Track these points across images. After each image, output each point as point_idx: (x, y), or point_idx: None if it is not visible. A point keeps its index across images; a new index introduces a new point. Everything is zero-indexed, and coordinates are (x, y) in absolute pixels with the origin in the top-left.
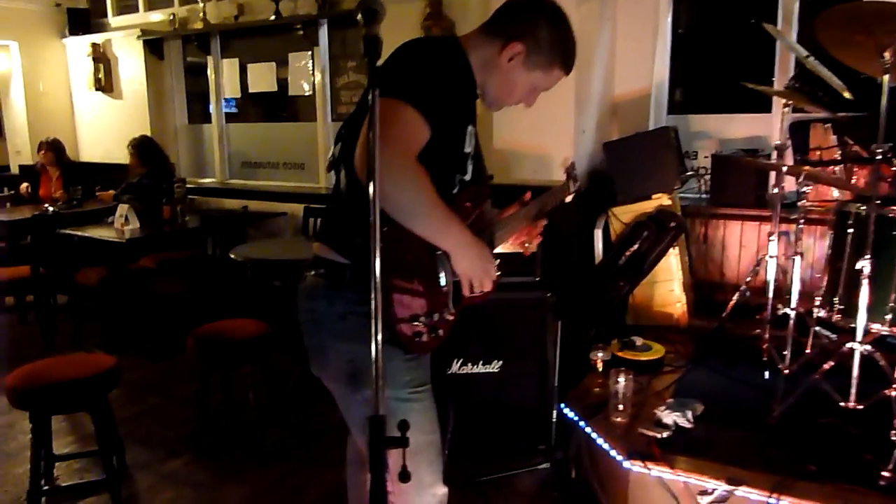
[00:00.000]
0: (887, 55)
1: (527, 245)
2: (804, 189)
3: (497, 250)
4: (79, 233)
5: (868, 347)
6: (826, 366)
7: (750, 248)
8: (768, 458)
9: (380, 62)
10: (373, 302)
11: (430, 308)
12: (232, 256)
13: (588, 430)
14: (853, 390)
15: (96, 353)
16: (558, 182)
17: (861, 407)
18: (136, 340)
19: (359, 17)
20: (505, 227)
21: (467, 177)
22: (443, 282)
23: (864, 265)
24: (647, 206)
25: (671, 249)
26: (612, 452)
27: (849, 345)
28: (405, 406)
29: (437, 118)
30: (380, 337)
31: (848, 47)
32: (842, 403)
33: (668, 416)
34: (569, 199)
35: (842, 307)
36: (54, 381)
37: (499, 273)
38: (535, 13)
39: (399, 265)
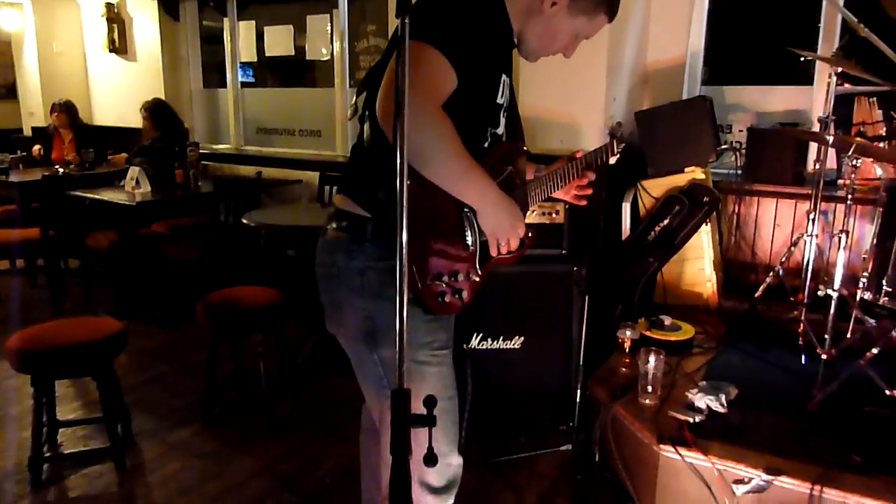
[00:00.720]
0: None
1: (578, 196)
2: (855, 163)
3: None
4: (88, 195)
5: None
6: (871, 352)
7: (785, 227)
8: (810, 447)
9: None
10: (398, 261)
11: (455, 267)
12: (244, 222)
13: (615, 411)
14: None
15: (103, 317)
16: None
17: None
18: (146, 306)
19: None
20: (541, 185)
21: (499, 130)
22: (469, 240)
23: None
24: (680, 179)
25: (703, 226)
26: (641, 436)
27: None
28: (422, 369)
29: (466, 64)
30: (405, 298)
31: None
32: (888, 392)
33: (701, 400)
34: (613, 160)
35: (890, 289)
36: (57, 344)
37: (530, 234)
38: None
39: (423, 221)
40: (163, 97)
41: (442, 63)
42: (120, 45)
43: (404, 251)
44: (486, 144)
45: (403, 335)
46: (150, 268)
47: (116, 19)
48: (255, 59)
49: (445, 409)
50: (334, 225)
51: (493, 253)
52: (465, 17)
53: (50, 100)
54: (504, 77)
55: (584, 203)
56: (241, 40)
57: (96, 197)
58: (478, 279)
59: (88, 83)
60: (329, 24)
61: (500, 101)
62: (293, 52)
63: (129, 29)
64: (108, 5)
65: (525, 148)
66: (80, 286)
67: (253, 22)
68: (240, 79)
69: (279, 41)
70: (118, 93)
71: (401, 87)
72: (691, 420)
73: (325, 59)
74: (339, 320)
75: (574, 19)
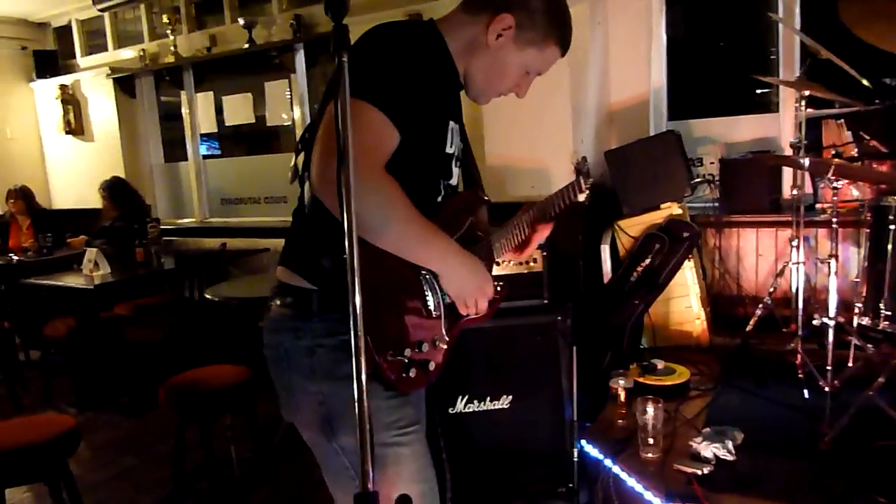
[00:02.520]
0: None
1: (532, 257)
2: (834, 185)
3: (497, 272)
4: (43, 281)
5: None
6: (880, 380)
7: (767, 256)
8: (828, 490)
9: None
10: (352, 337)
11: (419, 336)
12: (208, 297)
13: (616, 468)
14: None
15: (51, 413)
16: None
17: None
18: (110, 395)
19: None
20: (505, 235)
21: (453, 180)
22: (431, 306)
23: None
24: (656, 216)
25: (686, 262)
26: (647, 494)
27: None
28: (390, 452)
29: (407, 117)
30: (363, 375)
31: (875, 23)
32: None
33: (707, 449)
34: (582, 197)
35: (889, 313)
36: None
37: (499, 286)
38: None
39: (378, 288)
40: (122, 175)
41: (379, 120)
42: (76, 126)
43: (359, 322)
44: (439, 198)
45: (366, 417)
46: (112, 353)
47: (71, 101)
48: (216, 130)
49: (423, 493)
50: (277, 301)
51: (462, 313)
52: (404, 64)
53: (5, 186)
54: (452, 124)
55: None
56: (199, 112)
57: (52, 283)
58: (445, 346)
59: (45, 166)
60: (288, 90)
61: (449, 150)
62: (254, 120)
63: (85, 109)
64: (63, 87)
65: (486, 197)
66: (41, 379)
67: (211, 93)
68: (204, 150)
69: (239, 110)
70: (76, 174)
71: (344, 135)
72: (699, 472)
73: (287, 123)
74: (292, 407)
75: (522, 52)
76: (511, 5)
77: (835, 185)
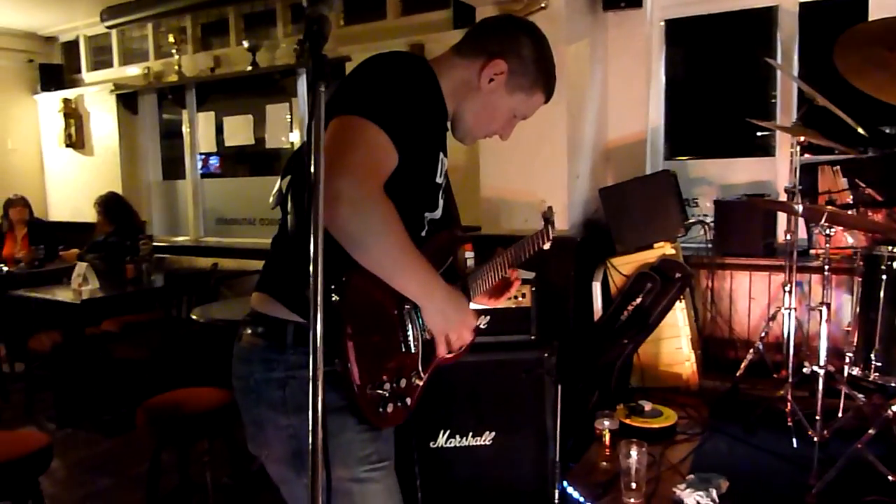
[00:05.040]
0: None
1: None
2: (828, 232)
3: (485, 306)
4: (31, 294)
5: None
6: (869, 433)
7: (760, 300)
8: None
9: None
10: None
11: (397, 372)
12: (193, 317)
13: None
14: None
15: (28, 430)
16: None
17: None
18: (91, 412)
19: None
20: (480, 276)
21: (437, 213)
22: (412, 340)
23: None
24: (649, 255)
25: (677, 303)
26: None
27: (895, 408)
28: (362, 489)
29: (406, 141)
30: (320, 404)
31: (870, 73)
32: (890, 477)
33: (690, 496)
34: (547, 246)
35: (880, 364)
36: None
37: (478, 326)
38: (516, 30)
39: (361, 319)
40: (120, 190)
41: (383, 140)
42: (77, 139)
43: (319, 353)
44: (423, 233)
45: (319, 449)
46: (97, 369)
47: (74, 115)
48: (216, 150)
49: None
50: (248, 331)
51: (441, 353)
52: (406, 90)
53: (3, 197)
54: (442, 156)
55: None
56: (200, 131)
57: (40, 296)
58: (420, 383)
59: (44, 178)
60: (288, 113)
61: (439, 180)
62: (253, 142)
63: (87, 124)
64: (66, 101)
65: (461, 235)
66: (24, 392)
67: (212, 113)
68: (205, 169)
69: (239, 131)
70: (74, 187)
71: (315, 161)
72: None
73: (286, 146)
74: (260, 441)
75: (512, 97)
76: (505, 52)
77: (828, 231)
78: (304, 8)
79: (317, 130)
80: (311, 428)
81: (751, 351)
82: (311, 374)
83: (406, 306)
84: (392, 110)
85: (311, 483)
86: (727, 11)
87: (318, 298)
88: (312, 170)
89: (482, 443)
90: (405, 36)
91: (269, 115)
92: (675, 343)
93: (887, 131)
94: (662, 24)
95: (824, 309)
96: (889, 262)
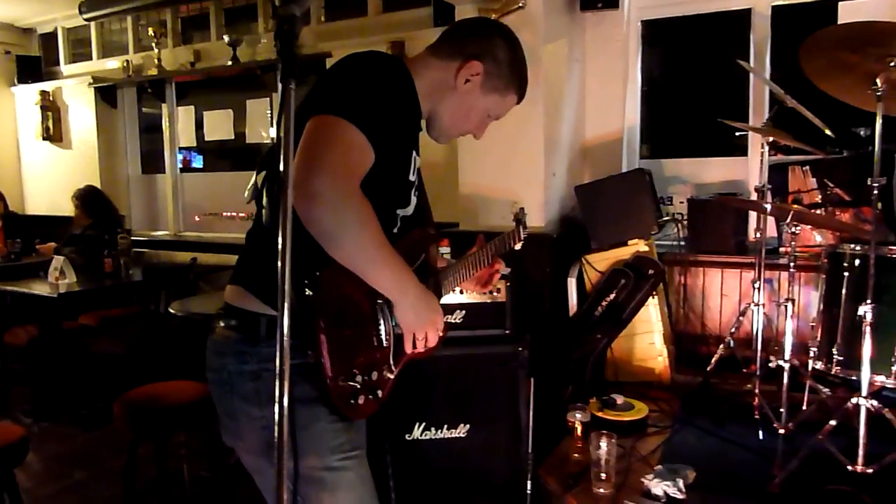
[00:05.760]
0: (879, 82)
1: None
2: (793, 230)
3: (461, 300)
4: (7, 287)
5: (875, 403)
6: (830, 424)
7: (732, 296)
8: None
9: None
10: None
11: (369, 365)
12: (172, 311)
13: (568, 502)
14: (861, 452)
15: (3, 422)
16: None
17: (871, 471)
18: (68, 406)
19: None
20: (453, 273)
21: (409, 210)
22: (383, 334)
23: (866, 311)
24: (624, 252)
25: (650, 299)
26: None
27: (854, 400)
28: (335, 476)
29: (381, 141)
30: (285, 399)
31: (834, 76)
32: (850, 467)
33: (658, 486)
34: (517, 246)
35: (841, 358)
36: None
37: (447, 323)
38: (491, 33)
39: (334, 313)
40: (98, 184)
41: (360, 139)
42: (55, 132)
43: (285, 345)
44: (395, 230)
45: (283, 453)
46: (74, 364)
47: (52, 107)
48: (195, 144)
49: None
50: (221, 323)
51: (409, 350)
52: (382, 90)
53: None
54: (415, 154)
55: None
56: (180, 126)
57: (16, 289)
58: (391, 377)
59: (21, 171)
60: (269, 108)
61: (412, 178)
62: (233, 137)
63: (65, 117)
64: (44, 93)
65: (433, 233)
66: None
67: (192, 107)
68: (190, 164)
69: (219, 126)
70: (52, 181)
71: (287, 160)
72: None
73: (266, 141)
74: (234, 432)
75: (486, 97)
76: (481, 54)
77: (793, 230)
78: (275, 7)
79: (286, 127)
80: (276, 419)
81: (721, 346)
82: (277, 365)
83: (378, 301)
84: (368, 110)
85: (278, 471)
86: (703, 13)
87: (286, 289)
88: (282, 166)
89: (457, 435)
90: (385, 33)
91: (250, 110)
92: (648, 338)
93: (862, 133)
94: (639, 24)
95: (789, 305)
96: (851, 260)
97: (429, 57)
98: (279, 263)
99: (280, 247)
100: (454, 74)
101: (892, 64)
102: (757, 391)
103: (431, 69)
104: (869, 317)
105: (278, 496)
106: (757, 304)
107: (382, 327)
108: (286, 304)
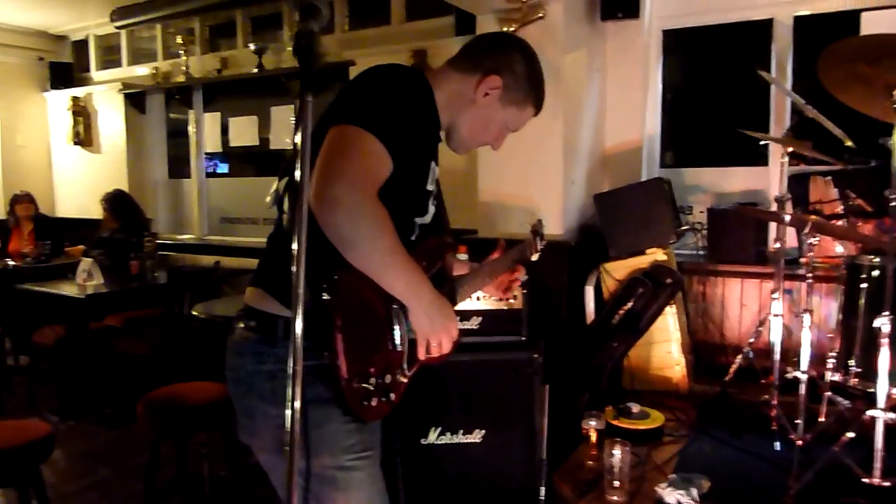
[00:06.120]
0: None
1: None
2: (811, 241)
3: (478, 306)
4: (36, 288)
5: (892, 415)
6: (846, 436)
7: (751, 306)
8: None
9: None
10: (292, 346)
11: (383, 368)
12: (194, 313)
13: None
14: (877, 464)
15: (33, 420)
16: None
17: (887, 484)
18: (93, 405)
19: (296, 16)
20: (468, 282)
21: (427, 218)
22: (397, 339)
23: (883, 323)
24: (642, 261)
25: (668, 308)
26: None
27: (870, 412)
28: (347, 476)
29: (400, 151)
30: (297, 395)
31: (853, 87)
32: (865, 479)
33: (671, 495)
34: (534, 257)
35: (859, 370)
36: None
37: (461, 330)
38: (510, 47)
39: (350, 316)
40: (126, 188)
41: (378, 149)
42: (85, 137)
43: (299, 345)
44: (413, 237)
45: (295, 453)
46: (99, 363)
47: (82, 112)
48: (221, 150)
49: None
50: (241, 324)
51: (422, 355)
52: (401, 101)
53: (10, 192)
54: (433, 164)
55: (508, 297)
56: (206, 131)
57: (45, 290)
58: (405, 381)
59: (52, 175)
60: (293, 115)
61: (429, 187)
62: (258, 143)
63: (95, 122)
64: (75, 99)
65: (450, 241)
66: (28, 385)
67: (218, 114)
68: (213, 169)
69: (244, 132)
70: (81, 184)
71: (303, 168)
72: None
73: (290, 147)
74: (250, 430)
75: (505, 109)
76: (500, 69)
77: (811, 240)
78: (296, 23)
79: (303, 137)
80: (290, 418)
81: (740, 356)
82: (290, 366)
83: (394, 306)
84: (388, 121)
85: (289, 467)
86: (724, 23)
87: (300, 293)
88: (298, 175)
89: (472, 440)
90: (408, 42)
91: (274, 117)
92: (665, 347)
93: (888, 143)
94: (660, 34)
95: (807, 316)
96: (869, 271)
97: (449, 70)
98: (293, 267)
99: (295, 252)
100: (473, 87)
101: None
102: (774, 402)
103: (451, 82)
104: (886, 328)
105: (288, 491)
106: (776, 315)
107: (397, 331)
108: (300, 307)
